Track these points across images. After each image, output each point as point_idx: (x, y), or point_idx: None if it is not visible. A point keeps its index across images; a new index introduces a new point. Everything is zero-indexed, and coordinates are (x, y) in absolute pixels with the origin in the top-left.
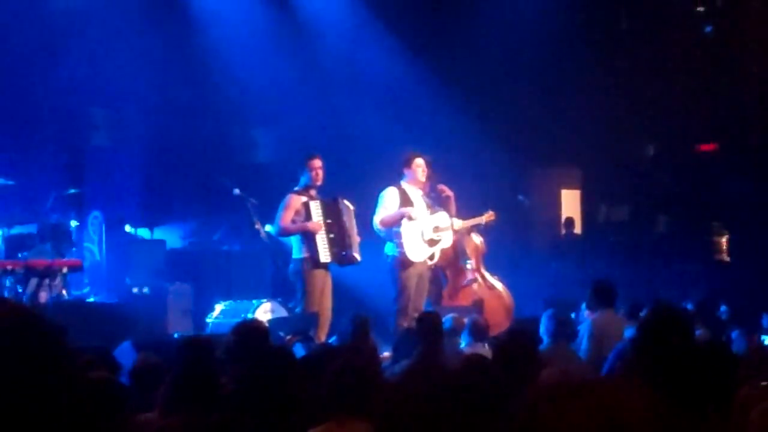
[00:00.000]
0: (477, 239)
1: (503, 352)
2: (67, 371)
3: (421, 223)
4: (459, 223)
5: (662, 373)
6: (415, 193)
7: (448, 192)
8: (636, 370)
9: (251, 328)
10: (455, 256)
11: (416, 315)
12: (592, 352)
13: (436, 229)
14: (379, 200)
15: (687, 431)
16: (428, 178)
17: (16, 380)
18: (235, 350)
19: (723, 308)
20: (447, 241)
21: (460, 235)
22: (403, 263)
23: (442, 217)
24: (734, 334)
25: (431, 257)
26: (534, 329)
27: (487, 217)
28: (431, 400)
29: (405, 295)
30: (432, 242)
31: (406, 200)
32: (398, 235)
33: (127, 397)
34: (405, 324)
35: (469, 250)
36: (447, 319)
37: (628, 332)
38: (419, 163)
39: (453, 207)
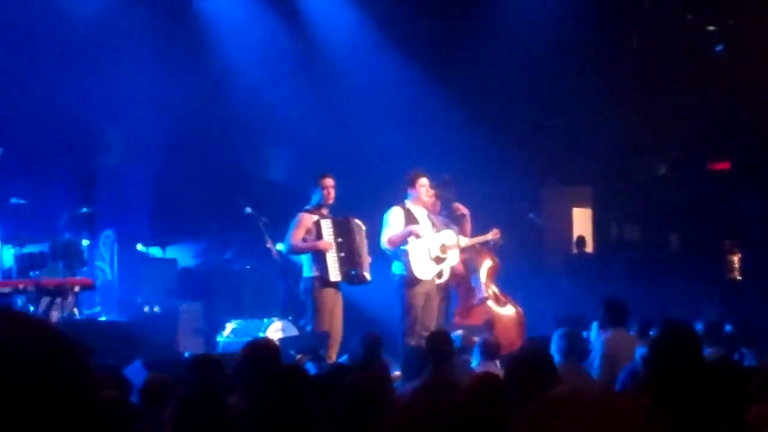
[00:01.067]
0: (490, 259)
1: (515, 370)
2: (85, 391)
3: (428, 241)
4: (465, 241)
5: (673, 391)
6: (420, 213)
7: (464, 210)
8: (647, 388)
9: (262, 346)
10: (467, 275)
11: (425, 334)
12: (605, 371)
13: (443, 247)
14: (384, 220)
15: None
16: (438, 196)
17: (31, 398)
18: (245, 369)
19: (728, 327)
20: (453, 259)
21: (473, 254)
22: (410, 282)
23: (449, 235)
24: (745, 351)
25: (439, 275)
26: (546, 348)
27: (493, 234)
28: (443, 418)
29: (412, 314)
30: (439, 260)
31: (410, 219)
32: (405, 253)
33: (137, 417)
34: (413, 343)
35: (481, 269)
36: (456, 336)
37: (639, 351)
38: (423, 183)
39: (468, 225)
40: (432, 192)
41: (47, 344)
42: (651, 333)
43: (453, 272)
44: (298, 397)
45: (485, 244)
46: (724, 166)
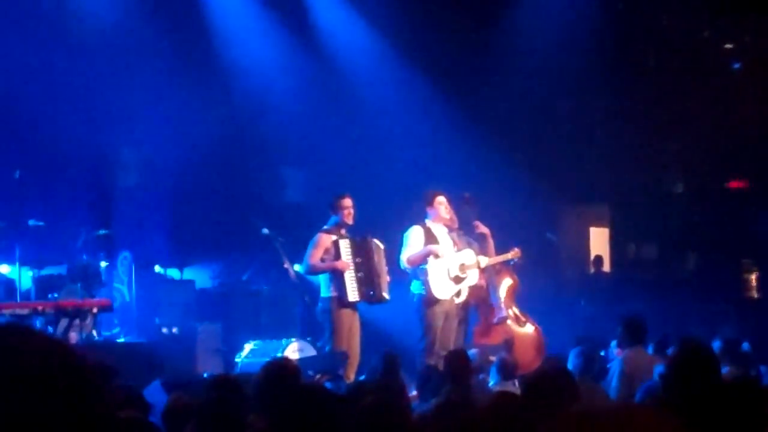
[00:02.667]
0: (510, 278)
1: (533, 389)
2: (103, 409)
3: (447, 260)
4: (485, 261)
5: (692, 409)
6: (441, 231)
7: (483, 229)
8: (665, 406)
9: (282, 366)
10: (487, 295)
11: (443, 353)
12: (623, 390)
13: (462, 266)
14: (405, 239)
15: None
16: (454, 213)
17: (49, 416)
18: (265, 389)
19: (745, 345)
20: (473, 278)
21: (493, 273)
22: (429, 301)
23: (468, 255)
24: (763, 370)
25: (458, 294)
26: (564, 366)
27: (513, 254)
28: None
29: (431, 334)
30: (458, 279)
31: (431, 238)
32: (424, 272)
33: None
34: (431, 362)
35: (501, 288)
36: (472, 355)
37: (657, 369)
38: (441, 200)
39: (490, 244)
40: (450, 209)
41: (66, 364)
42: (668, 351)
43: (473, 291)
44: (320, 416)
45: (505, 263)
46: (741, 184)
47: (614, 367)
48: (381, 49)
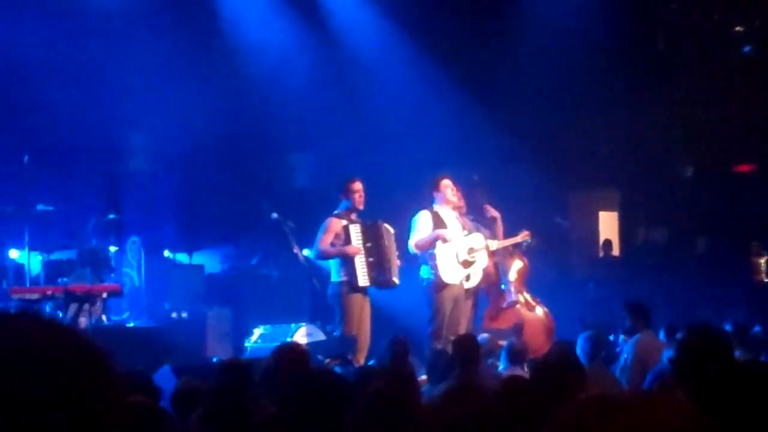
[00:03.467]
0: (520, 261)
1: (542, 373)
2: (111, 395)
3: (456, 244)
4: (495, 244)
5: (702, 393)
6: (449, 215)
7: (494, 213)
8: (676, 390)
9: (292, 350)
10: (497, 279)
11: (452, 338)
12: (636, 374)
13: (471, 250)
14: (413, 224)
15: None
16: (466, 198)
17: (58, 403)
18: (275, 373)
19: (757, 328)
20: (482, 262)
21: (503, 257)
22: (438, 286)
23: (477, 239)
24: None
25: (467, 278)
26: (573, 351)
27: (523, 236)
28: (470, 422)
29: (439, 318)
30: (466, 263)
31: (439, 222)
32: (433, 257)
33: (167, 421)
34: (439, 347)
35: (511, 272)
36: (482, 339)
37: (667, 354)
38: (447, 183)
39: (500, 227)
40: (457, 192)
41: (73, 349)
42: (677, 336)
43: (483, 276)
44: (330, 400)
45: (516, 245)
46: (750, 168)
47: (627, 351)
48: (390, 32)
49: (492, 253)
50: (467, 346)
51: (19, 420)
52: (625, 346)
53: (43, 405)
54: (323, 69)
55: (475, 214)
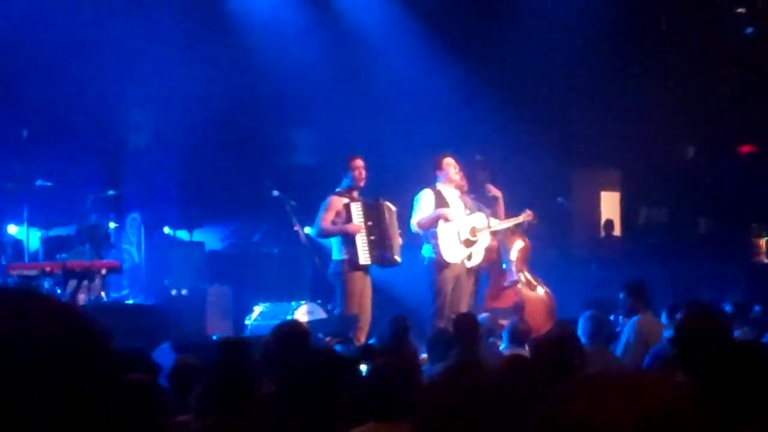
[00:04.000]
0: (522, 241)
1: (542, 352)
2: (110, 373)
3: (458, 224)
4: (496, 224)
5: (701, 372)
6: (452, 194)
7: (495, 192)
8: (675, 369)
9: (292, 328)
10: (498, 258)
11: (453, 317)
12: (637, 355)
13: (473, 230)
14: (415, 203)
15: (730, 429)
16: (468, 178)
17: (55, 381)
18: (275, 351)
19: (756, 308)
20: (484, 241)
21: (504, 237)
22: (440, 265)
23: (479, 218)
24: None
25: (469, 258)
26: (573, 330)
27: (525, 216)
28: (471, 401)
29: (441, 297)
30: (468, 243)
31: (441, 201)
32: (435, 236)
33: (165, 399)
34: (441, 326)
35: (512, 252)
36: (482, 318)
37: (667, 334)
38: (449, 162)
39: (501, 207)
40: (459, 170)
41: (70, 326)
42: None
43: (485, 255)
44: (329, 378)
45: (517, 225)
46: (752, 149)
47: (628, 331)
48: (394, 10)
49: (494, 233)
50: (466, 324)
51: (17, 398)
52: (625, 327)
53: (41, 383)
54: (326, 46)
55: (476, 194)
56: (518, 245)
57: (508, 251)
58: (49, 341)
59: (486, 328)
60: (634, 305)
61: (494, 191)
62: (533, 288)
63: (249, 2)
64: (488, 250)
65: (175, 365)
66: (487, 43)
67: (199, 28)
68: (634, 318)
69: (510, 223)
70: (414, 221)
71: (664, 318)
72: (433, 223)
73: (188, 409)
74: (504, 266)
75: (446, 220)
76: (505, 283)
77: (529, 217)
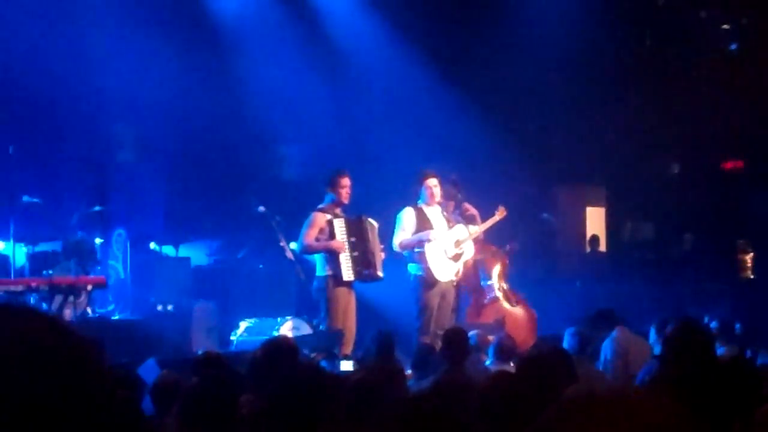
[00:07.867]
0: (500, 263)
1: (529, 368)
2: (102, 385)
3: (443, 241)
4: (474, 229)
5: (686, 387)
6: (433, 211)
7: (472, 211)
8: (662, 384)
9: (281, 344)
10: (476, 275)
11: (440, 332)
12: (620, 368)
13: (457, 243)
14: (397, 222)
15: None
16: (453, 196)
17: (49, 397)
18: (262, 367)
19: (737, 326)
20: (469, 251)
21: (484, 259)
22: (427, 282)
23: (461, 230)
24: (759, 351)
25: (457, 273)
26: (560, 346)
27: (500, 213)
28: (457, 416)
29: (426, 314)
30: (456, 257)
31: (423, 220)
32: (422, 257)
33: (144, 416)
34: (427, 341)
35: (491, 269)
36: (472, 335)
37: (657, 350)
38: (431, 183)
39: (480, 224)
40: (440, 189)
41: (65, 342)
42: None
43: (465, 275)
44: (315, 394)
45: (501, 248)
46: (737, 165)
47: (606, 348)
48: (379, 27)
49: (475, 241)
50: (457, 339)
51: (8, 412)
52: (602, 346)
53: (32, 397)
54: (312, 61)
55: (457, 210)
56: (497, 269)
57: (488, 275)
58: (41, 355)
59: (476, 345)
60: (607, 330)
61: (472, 210)
62: (513, 303)
63: (235, 18)
64: (466, 270)
65: (157, 381)
66: (473, 60)
67: (186, 44)
68: (611, 335)
69: (488, 225)
70: (396, 242)
71: (652, 333)
72: (416, 245)
73: (166, 425)
74: (483, 284)
75: (429, 242)
76: (486, 300)
77: (503, 215)
